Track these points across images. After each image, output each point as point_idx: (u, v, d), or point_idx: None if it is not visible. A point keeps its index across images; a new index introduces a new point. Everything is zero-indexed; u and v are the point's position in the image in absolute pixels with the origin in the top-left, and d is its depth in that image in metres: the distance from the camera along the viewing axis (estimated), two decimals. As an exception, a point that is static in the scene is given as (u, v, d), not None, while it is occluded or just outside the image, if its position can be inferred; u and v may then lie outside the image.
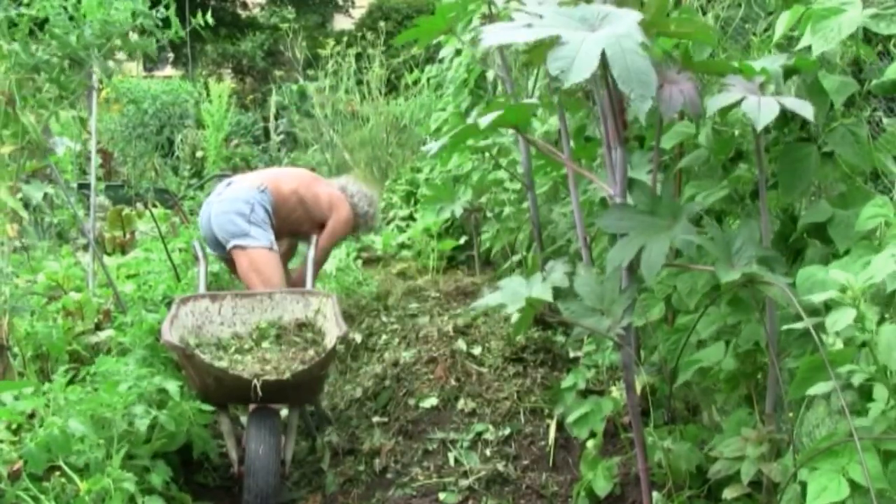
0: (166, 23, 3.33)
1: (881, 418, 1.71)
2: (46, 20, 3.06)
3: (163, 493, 2.58)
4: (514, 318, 2.22)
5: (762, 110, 1.88)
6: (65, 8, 3.08)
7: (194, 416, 2.82)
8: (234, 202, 3.71)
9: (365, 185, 4.33)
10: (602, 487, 2.61)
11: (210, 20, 3.44)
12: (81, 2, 3.11)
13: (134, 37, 3.32)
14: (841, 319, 1.67)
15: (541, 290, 2.07)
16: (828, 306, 1.96)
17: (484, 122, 2.10)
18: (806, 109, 1.90)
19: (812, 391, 1.80)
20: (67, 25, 3.06)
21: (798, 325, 1.80)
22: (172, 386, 2.76)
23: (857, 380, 1.72)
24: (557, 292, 2.11)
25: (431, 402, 3.21)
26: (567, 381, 3.00)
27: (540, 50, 2.05)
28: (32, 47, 3.03)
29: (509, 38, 1.93)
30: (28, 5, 3.02)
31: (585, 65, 1.75)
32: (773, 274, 1.95)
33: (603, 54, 1.77)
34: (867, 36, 2.10)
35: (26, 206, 3.75)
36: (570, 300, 2.13)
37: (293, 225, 3.94)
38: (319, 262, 4.03)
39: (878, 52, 2.18)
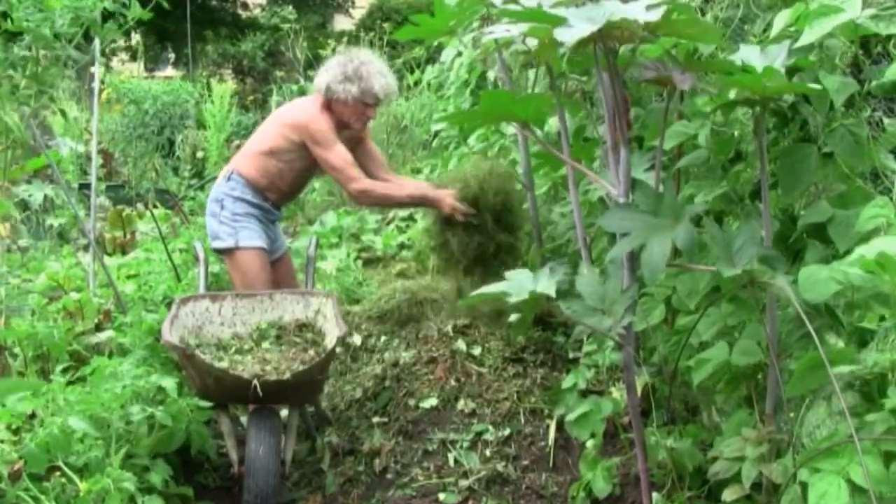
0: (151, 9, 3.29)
1: (885, 417, 1.71)
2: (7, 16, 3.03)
3: (162, 491, 2.59)
4: (514, 317, 2.21)
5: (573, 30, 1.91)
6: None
7: (193, 413, 2.81)
8: (210, 203, 3.59)
9: (340, 54, 3.52)
10: (601, 488, 2.61)
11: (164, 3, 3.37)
12: None
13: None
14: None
15: (546, 285, 2.06)
16: (829, 308, 1.97)
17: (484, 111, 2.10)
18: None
19: (814, 385, 1.80)
20: (38, 17, 3.02)
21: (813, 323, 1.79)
22: (169, 382, 2.75)
23: (879, 364, 1.72)
24: (559, 292, 2.11)
25: (431, 402, 3.21)
26: (567, 382, 2.99)
27: (545, 49, 2.06)
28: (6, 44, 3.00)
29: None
30: None
31: (591, 25, 1.85)
32: (773, 272, 1.95)
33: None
34: (867, 37, 2.10)
35: (27, 206, 3.76)
36: (571, 299, 2.13)
37: (289, 175, 3.51)
38: (342, 168, 3.36)
39: (877, 53, 2.18)
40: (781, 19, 2.05)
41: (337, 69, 3.40)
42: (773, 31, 2.07)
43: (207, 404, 2.88)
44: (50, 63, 3.14)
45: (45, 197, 3.62)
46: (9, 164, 3.04)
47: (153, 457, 2.68)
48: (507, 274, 2.21)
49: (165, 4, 3.36)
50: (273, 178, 3.52)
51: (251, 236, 3.49)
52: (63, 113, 4.49)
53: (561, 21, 1.89)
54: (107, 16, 3.24)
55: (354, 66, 3.39)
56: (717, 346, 2.42)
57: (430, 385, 3.29)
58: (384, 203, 3.69)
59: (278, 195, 3.60)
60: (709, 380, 2.48)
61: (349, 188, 3.40)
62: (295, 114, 3.49)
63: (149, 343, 3.24)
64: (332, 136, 3.40)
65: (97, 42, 3.26)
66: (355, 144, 3.63)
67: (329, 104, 3.45)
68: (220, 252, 3.58)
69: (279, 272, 3.78)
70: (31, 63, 3.05)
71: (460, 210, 3.22)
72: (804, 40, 1.96)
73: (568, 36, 1.84)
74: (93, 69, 3.35)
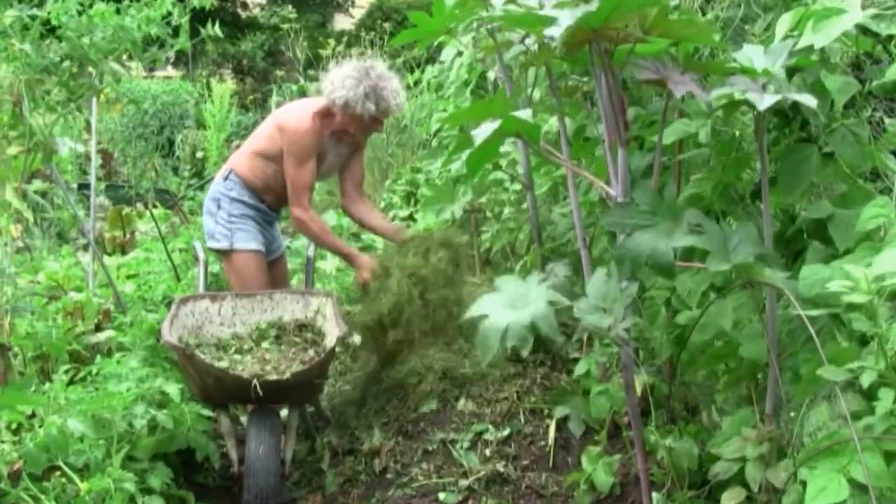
0: (176, 31, 3.30)
1: (885, 418, 1.71)
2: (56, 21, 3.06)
3: (163, 492, 2.59)
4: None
5: (764, 98, 1.89)
6: (79, 12, 3.07)
7: (193, 422, 2.80)
8: (207, 202, 3.57)
9: (354, 64, 3.44)
10: (603, 481, 2.61)
11: (219, 31, 3.37)
12: (94, 5, 3.09)
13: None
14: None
15: (540, 316, 2.01)
16: (831, 306, 1.96)
17: (481, 133, 2.08)
18: (809, 101, 1.89)
19: (816, 389, 1.81)
20: (81, 28, 3.05)
21: (812, 313, 1.79)
22: (173, 389, 2.76)
23: (866, 378, 1.72)
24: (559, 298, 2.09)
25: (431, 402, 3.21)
26: (580, 368, 2.96)
27: (544, 51, 2.07)
28: (43, 48, 3.02)
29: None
30: (41, 5, 3.02)
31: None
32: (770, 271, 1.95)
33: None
34: (867, 37, 2.10)
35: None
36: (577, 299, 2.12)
37: (283, 177, 3.45)
38: (298, 189, 3.39)
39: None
40: (784, 23, 2.04)
41: (356, 85, 3.32)
42: (777, 37, 2.07)
43: (208, 413, 2.88)
44: (83, 74, 3.15)
45: (45, 195, 3.62)
46: (28, 166, 3.04)
47: (153, 457, 2.67)
48: (497, 282, 2.16)
49: (209, 41, 3.38)
50: (267, 181, 3.50)
51: (247, 238, 3.47)
52: (87, 123, 4.50)
53: (551, 21, 1.92)
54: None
55: (372, 83, 3.33)
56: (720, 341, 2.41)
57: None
58: (313, 239, 3.59)
59: (274, 197, 3.56)
60: (708, 367, 2.47)
61: (293, 210, 3.43)
62: (287, 118, 3.45)
63: (150, 344, 3.24)
64: (309, 154, 3.38)
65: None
66: (350, 152, 3.62)
67: (329, 111, 3.41)
68: (217, 252, 3.59)
69: (274, 273, 3.76)
70: (66, 72, 3.06)
71: (367, 284, 3.32)
72: (805, 42, 1.96)
73: (555, 31, 1.89)
74: (91, 69, 3.34)
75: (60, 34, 3.05)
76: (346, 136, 3.49)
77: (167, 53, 3.32)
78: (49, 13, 2.99)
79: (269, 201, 3.57)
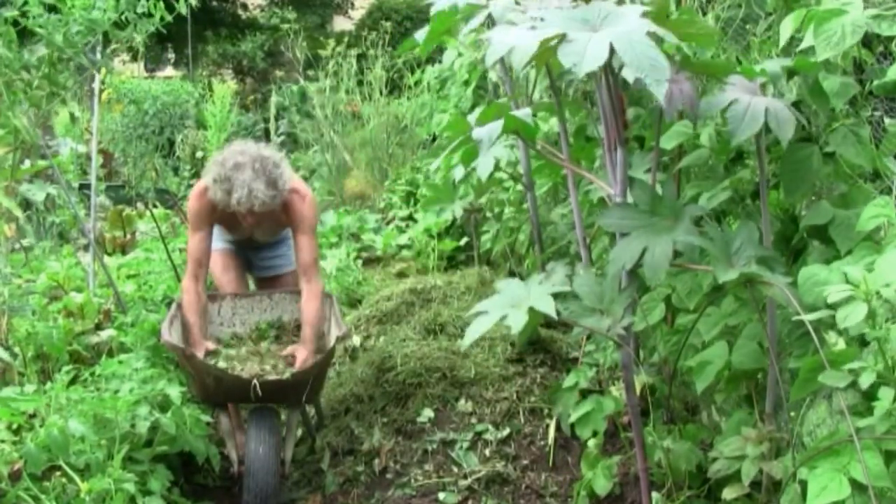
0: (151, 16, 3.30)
1: (885, 418, 1.71)
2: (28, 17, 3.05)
3: (163, 496, 2.58)
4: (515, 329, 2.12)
5: (744, 122, 1.92)
6: (45, 6, 3.06)
7: (191, 426, 2.78)
8: None
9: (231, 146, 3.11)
10: (602, 486, 2.61)
11: (193, 1, 3.40)
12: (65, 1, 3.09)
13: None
14: (853, 315, 1.66)
15: (540, 300, 2.04)
16: (830, 306, 1.96)
17: (483, 134, 2.10)
18: (785, 130, 1.91)
19: (817, 387, 1.80)
20: (52, 23, 3.05)
21: (811, 317, 1.79)
22: (174, 391, 2.75)
23: (866, 379, 1.72)
24: (558, 295, 2.09)
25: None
26: (568, 381, 2.99)
27: (544, 52, 2.06)
28: (14, 47, 3.01)
29: (518, 42, 1.90)
30: (8, 5, 3.01)
31: (597, 54, 1.78)
32: (772, 274, 1.95)
33: (611, 48, 1.79)
34: (868, 37, 2.10)
35: (28, 206, 3.77)
36: (569, 300, 2.12)
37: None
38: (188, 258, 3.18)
39: (879, 53, 2.17)
40: (787, 26, 2.04)
41: (214, 171, 3.00)
42: (781, 40, 2.07)
43: (206, 419, 2.88)
44: (63, 66, 3.15)
45: (48, 196, 3.62)
46: (16, 164, 3.05)
47: (154, 458, 2.67)
48: (498, 284, 2.19)
49: (183, 10, 3.36)
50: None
51: (216, 239, 3.28)
52: (72, 116, 4.51)
53: (561, 38, 1.84)
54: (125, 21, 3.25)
55: (226, 173, 2.96)
56: (717, 345, 2.42)
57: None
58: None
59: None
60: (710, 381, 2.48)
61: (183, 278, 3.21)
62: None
63: (151, 344, 3.24)
64: (196, 225, 3.13)
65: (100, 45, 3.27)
66: (279, 228, 3.36)
67: None
68: None
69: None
70: (45, 64, 3.07)
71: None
72: (806, 44, 1.96)
73: (577, 62, 1.79)
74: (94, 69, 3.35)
75: (31, 26, 3.03)
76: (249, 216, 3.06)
77: (143, 34, 3.29)
78: (19, 11, 2.98)
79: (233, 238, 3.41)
